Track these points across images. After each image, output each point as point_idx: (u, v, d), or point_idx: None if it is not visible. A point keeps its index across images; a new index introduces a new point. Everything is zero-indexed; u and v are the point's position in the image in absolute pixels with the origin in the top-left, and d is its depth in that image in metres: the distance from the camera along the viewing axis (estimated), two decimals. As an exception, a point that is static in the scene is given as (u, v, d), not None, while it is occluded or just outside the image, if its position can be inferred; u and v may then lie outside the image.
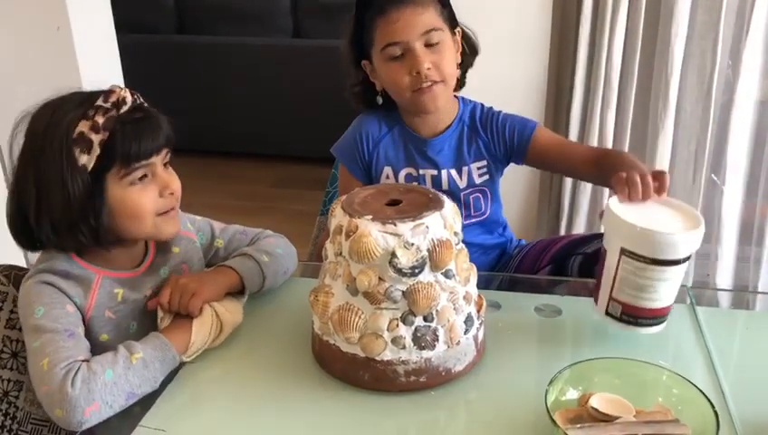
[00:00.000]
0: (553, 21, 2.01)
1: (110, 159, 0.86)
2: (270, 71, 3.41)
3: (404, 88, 1.17)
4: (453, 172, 1.25)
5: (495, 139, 1.26)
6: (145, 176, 0.90)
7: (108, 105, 0.86)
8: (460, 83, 1.27)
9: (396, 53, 1.16)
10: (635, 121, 2.05)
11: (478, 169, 1.26)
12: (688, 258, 0.90)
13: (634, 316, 0.92)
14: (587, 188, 2.11)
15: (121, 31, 2.44)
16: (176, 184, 0.93)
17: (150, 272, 0.99)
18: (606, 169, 1.05)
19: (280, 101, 3.43)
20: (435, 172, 1.25)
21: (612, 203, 0.93)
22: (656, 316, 0.92)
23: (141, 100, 0.91)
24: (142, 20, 3.53)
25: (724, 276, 2.12)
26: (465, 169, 1.25)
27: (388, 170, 1.26)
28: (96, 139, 0.85)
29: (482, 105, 1.29)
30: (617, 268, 0.91)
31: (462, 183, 1.26)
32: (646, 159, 2.07)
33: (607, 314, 0.95)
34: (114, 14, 2.39)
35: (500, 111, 1.28)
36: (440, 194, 0.90)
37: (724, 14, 1.89)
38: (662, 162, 2.04)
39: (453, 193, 1.24)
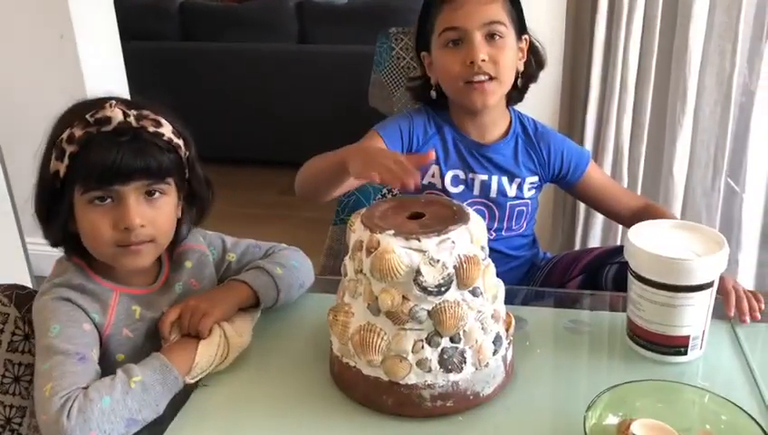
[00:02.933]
0: (567, 23, 1.96)
1: (76, 174, 0.84)
2: (276, 77, 3.37)
3: (456, 77, 1.13)
4: (504, 180, 1.21)
5: (550, 159, 1.23)
6: (109, 200, 0.85)
7: (91, 120, 0.83)
8: (519, 97, 1.24)
9: (453, 37, 1.12)
10: (651, 125, 2.00)
11: (530, 183, 1.23)
12: (706, 286, 0.86)
13: (650, 342, 0.89)
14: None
15: (126, 38, 2.40)
16: (138, 220, 0.84)
17: (165, 289, 0.95)
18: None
19: (286, 107, 3.40)
20: (485, 177, 1.21)
21: (632, 230, 0.92)
22: (673, 345, 0.88)
23: (142, 123, 0.85)
24: (146, 27, 3.50)
25: (745, 283, 2.06)
26: (518, 180, 1.22)
27: (434, 169, 1.21)
28: (68, 149, 0.83)
29: (534, 120, 1.26)
30: (632, 292, 0.90)
31: (511, 193, 1.22)
32: (663, 163, 2.02)
33: (629, 336, 0.93)
34: (118, 22, 2.36)
35: (554, 131, 1.26)
36: (464, 206, 0.85)
37: (744, 13, 1.84)
38: (680, 166, 1.99)
39: (499, 201, 1.21)
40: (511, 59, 1.14)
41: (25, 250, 2.09)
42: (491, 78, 1.12)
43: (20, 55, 2.24)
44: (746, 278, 2.06)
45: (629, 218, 1.23)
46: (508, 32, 1.13)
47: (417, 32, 1.20)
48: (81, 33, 2.23)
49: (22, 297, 0.94)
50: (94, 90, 1.04)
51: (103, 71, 2.31)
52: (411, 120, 1.22)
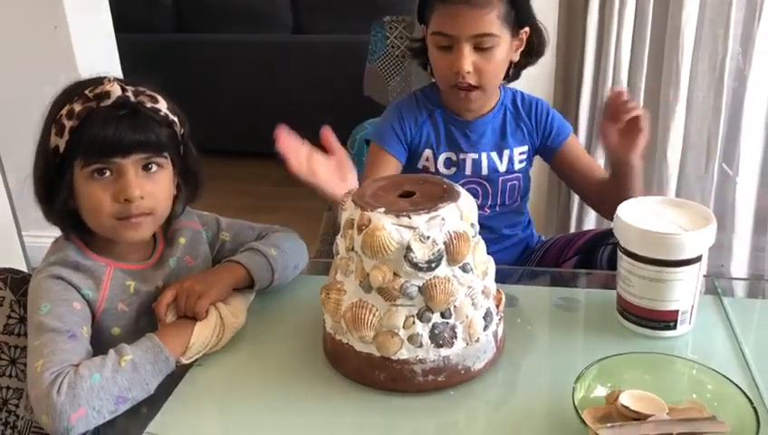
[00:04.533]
0: (560, 8, 1.97)
1: (76, 148, 0.85)
2: (271, 67, 3.37)
3: (442, 79, 1.18)
4: (493, 156, 1.24)
5: (539, 126, 1.26)
6: (109, 173, 0.86)
7: (90, 95, 0.85)
8: (512, 77, 1.26)
9: (442, 43, 1.14)
10: (645, 110, 2.00)
11: (520, 153, 1.25)
12: (694, 260, 0.86)
13: (640, 317, 0.90)
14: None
15: (120, 30, 2.40)
16: (138, 192, 0.86)
17: (159, 264, 0.96)
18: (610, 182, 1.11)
19: (281, 98, 3.39)
20: (476, 156, 1.23)
21: (621, 206, 0.92)
22: (662, 319, 0.89)
23: (140, 98, 0.87)
24: (141, 19, 3.49)
25: (740, 267, 2.07)
26: (506, 152, 1.24)
27: (428, 153, 1.24)
28: (68, 125, 0.85)
29: (522, 92, 1.28)
30: (621, 268, 0.91)
31: (502, 167, 1.24)
32: (657, 148, 2.02)
33: (618, 312, 0.93)
34: (113, 14, 2.36)
35: (542, 100, 1.28)
36: (455, 185, 0.86)
37: (736, -3, 1.84)
38: (674, 151, 2.00)
39: (491, 178, 1.23)
40: (498, 67, 1.17)
41: (22, 243, 2.10)
42: (475, 87, 1.15)
43: (13, 47, 2.24)
44: (740, 262, 2.07)
45: (597, 187, 1.25)
46: (500, 41, 1.14)
47: (418, 5, 1.21)
48: (75, 25, 2.22)
49: (17, 281, 0.95)
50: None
51: (97, 62, 2.30)
52: (400, 113, 1.24)
